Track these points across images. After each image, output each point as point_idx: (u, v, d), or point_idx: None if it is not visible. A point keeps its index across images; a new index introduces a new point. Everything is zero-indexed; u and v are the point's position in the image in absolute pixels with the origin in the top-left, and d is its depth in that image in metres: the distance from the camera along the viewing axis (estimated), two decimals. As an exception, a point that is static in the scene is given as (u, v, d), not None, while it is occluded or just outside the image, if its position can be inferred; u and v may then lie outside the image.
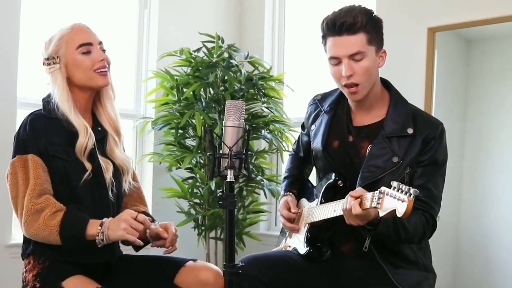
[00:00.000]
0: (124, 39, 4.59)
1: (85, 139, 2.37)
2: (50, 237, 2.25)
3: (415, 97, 3.90)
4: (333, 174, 2.46)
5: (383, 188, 2.02)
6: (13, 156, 2.35)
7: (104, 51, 2.49)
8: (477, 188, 3.92)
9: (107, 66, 2.47)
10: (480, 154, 3.88)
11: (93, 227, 2.26)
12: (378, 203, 2.01)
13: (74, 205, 2.33)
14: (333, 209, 2.34)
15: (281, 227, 2.77)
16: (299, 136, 2.85)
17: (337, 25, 2.32)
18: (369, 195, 2.08)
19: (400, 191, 1.95)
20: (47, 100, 2.45)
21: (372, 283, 2.38)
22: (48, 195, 2.30)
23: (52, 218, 2.25)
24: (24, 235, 2.39)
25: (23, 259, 2.44)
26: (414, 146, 2.36)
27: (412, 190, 1.92)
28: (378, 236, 2.24)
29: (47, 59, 2.45)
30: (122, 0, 4.58)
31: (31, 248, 2.38)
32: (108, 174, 2.44)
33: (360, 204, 2.10)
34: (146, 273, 2.47)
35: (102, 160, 2.45)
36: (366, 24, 2.31)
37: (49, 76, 2.46)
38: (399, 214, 1.94)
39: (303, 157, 2.79)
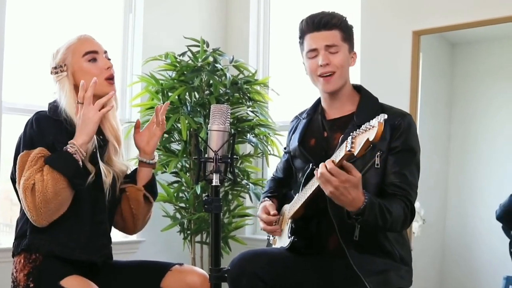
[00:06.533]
0: (109, 44, 4.52)
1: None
2: (48, 180, 2.26)
3: (400, 100, 3.90)
4: (310, 164, 2.48)
5: (353, 133, 2.06)
6: (21, 152, 2.35)
7: (109, 59, 2.55)
8: (463, 191, 3.93)
9: (114, 74, 2.53)
10: (465, 157, 3.89)
11: (69, 146, 2.33)
12: (352, 147, 2.04)
13: None
14: (310, 187, 2.38)
15: (266, 231, 2.77)
16: (279, 161, 2.96)
17: (316, 21, 2.55)
18: (342, 146, 2.12)
19: (367, 124, 1.99)
20: (54, 104, 2.49)
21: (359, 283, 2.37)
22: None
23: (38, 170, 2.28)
24: (16, 232, 2.43)
25: (13, 257, 2.42)
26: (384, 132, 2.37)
27: (380, 116, 1.96)
28: (367, 223, 2.26)
29: (55, 68, 2.50)
30: (106, 4, 4.56)
31: (26, 242, 2.36)
32: (108, 179, 2.48)
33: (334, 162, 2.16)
34: (133, 277, 2.49)
35: (102, 165, 2.48)
36: (341, 23, 2.57)
37: (56, 84, 2.50)
38: (371, 138, 1.95)
39: (282, 178, 2.88)
